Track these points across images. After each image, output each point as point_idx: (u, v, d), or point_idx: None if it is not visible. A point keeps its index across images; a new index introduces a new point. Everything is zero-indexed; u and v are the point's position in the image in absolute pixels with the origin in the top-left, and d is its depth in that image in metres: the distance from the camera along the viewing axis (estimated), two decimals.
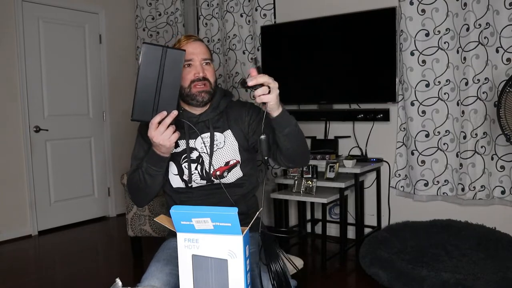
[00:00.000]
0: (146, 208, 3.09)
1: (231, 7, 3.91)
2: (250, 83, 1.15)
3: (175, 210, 0.94)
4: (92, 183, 4.42)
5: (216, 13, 4.05)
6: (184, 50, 1.23)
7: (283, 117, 1.28)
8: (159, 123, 1.23)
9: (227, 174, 1.49)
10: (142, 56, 1.15)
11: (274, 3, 3.73)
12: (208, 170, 1.48)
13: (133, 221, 3.11)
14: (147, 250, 3.26)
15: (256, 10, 3.74)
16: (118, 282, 0.99)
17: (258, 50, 3.78)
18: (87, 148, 4.37)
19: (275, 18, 3.74)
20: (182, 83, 1.46)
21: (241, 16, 3.89)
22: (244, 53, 3.91)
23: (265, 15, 3.73)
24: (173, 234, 1.56)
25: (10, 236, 3.79)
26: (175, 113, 1.23)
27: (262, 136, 1.21)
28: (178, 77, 1.20)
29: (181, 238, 0.98)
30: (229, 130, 1.51)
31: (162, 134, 1.24)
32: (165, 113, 1.22)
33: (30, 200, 3.91)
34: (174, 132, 1.26)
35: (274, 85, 1.19)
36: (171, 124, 1.24)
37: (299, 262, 1.77)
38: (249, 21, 3.86)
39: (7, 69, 3.77)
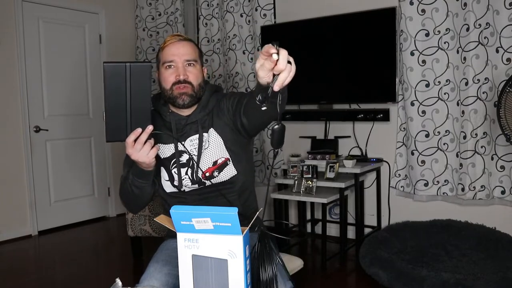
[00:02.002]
0: (146, 208, 3.09)
1: (231, 7, 3.91)
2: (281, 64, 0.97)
3: (175, 210, 0.94)
4: (92, 183, 4.42)
5: (216, 13, 4.05)
6: (150, 62, 1.19)
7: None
8: (135, 140, 1.19)
9: (218, 173, 1.45)
10: (104, 77, 1.10)
11: (274, 3, 3.74)
12: (196, 174, 1.45)
13: (133, 221, 3.11)
14: (147, 250, 3.26)
15: (256, 10, 3.75)
16: (118, 282, 0.99)
17: (258, 50, 3.78)
18: (87, 148, 4.37)
19: (275, 18, 3.75)
20: (164, 85, 1.44)
21: (241, 16, 3.89)
22: (244, 53, 3.91)
23: (265, 15, 3.73)
24: (171, 235, 1.55)
25: (10, 236, 3.79)
26: (150, 128, 1.18)
27: (276, 126, 1.05)
28: (148, 91, 1.15)
29: (181, 238, 0.97)
30: (211, 128, 1.47)
31: (140, 152, 1.20)
32: (139, 130, 1.17)
33: (30, 200, 3.91)
34: (153, 147, 1.22)
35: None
36: (148, 139, 1.20)
37: (299, 262, 1.76)
38: (249, 21, 3.86)
39: (7, 69, 3.77)
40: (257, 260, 1.04)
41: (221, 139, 1.46)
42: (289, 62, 0.98)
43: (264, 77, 1.00)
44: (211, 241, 0.96)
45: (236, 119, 1.44)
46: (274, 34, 3.68)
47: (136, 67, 1.12)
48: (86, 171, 4.36)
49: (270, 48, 0.95)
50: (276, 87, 0.98)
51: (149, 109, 1.17)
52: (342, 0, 3.41)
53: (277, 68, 0.96)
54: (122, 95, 1.12)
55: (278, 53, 0.95)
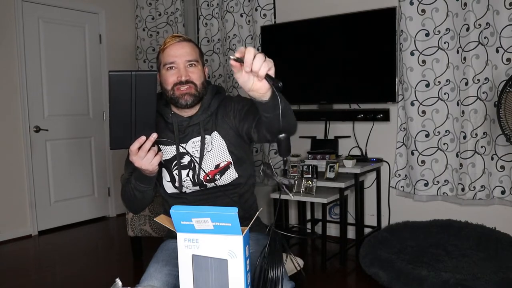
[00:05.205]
0: (146, 208, 3.09)
1: (231, 7, 3.91)
2: (237, 54, 0.98)
3: (175, 210, 0.94)
4: (92, 183, 4.42)
5: (216, 13, 4.05)
6: (156, 71, 1.18)
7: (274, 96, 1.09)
8: (139, 148, 1.19)
9: (220, 176, 1.45)
10: (110, 85, 1.11)
11: (274, 3, 3.73)
12: (198, 176, 1.45)
13: (133, 221, 3.11)
14: (147, 250, 3.26)
15: (256, 10, 3.75)
16: (118, 282, 0.99)
17: (258, 50, 3.77)
18: (87, 148, 4.37)
19: (275, 18, 3.74)
20: (165, 86, 1.43)
21: (241, 16, 3.89)
22: None
23: (265, 15, 3.73)
24: (170, 236, 1.55)
25: (10, 236, 3.79)
26: (154, 136, 1.18)
27: (281, 135, 1.05)
28: (153, 100, 1.15)
29: (181, 238, 0.97)
30: (215, 131, 1.46)
31: (143, 159, 1.21)
32: (143, 138, 1.18)
33: (30, 200, 3.91)
34: (156, 154, 1.23)
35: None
36: (152, 146, 1.21)
37: (299, 262, 1.77)
38: (249, 21, 3.86)
39: (7, 70, 3.77)
40: (267, 259, 1.04)
41: (224, 143, 1.46)
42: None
43: (246, 82, 1.02)
44: (211, 241, 0.96)
45: (243, 127, 1.43)
46: (274, 34, 3.68)
47: (142, 76, 1.12)
48: (86, 171, 4.36)
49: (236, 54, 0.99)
50: (260, 79, 0.99)
51: (154, 117, 1.17)
52: (342, 0, 3.41)
53: (247, 63, 0.97)
54: (127, 104, 1.12)
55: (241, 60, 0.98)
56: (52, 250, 3.62)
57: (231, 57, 0.98)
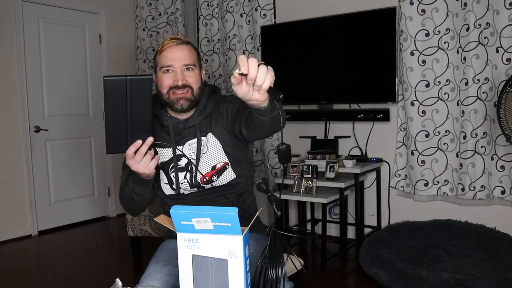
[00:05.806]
0: (145, 210, 3.09)
1: (231, 7, 3.91)
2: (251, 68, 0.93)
3: (175, 210, 0.94)
4: (92, 183, 4.42)
5: (216, 13, 4.05)
6: (151, 75, 1.16)
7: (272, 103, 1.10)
8: (136, 152, 1.19)
9: (217, 178, 1.44)
10: (105, 91, 1.10)
11: (274, 3, 3.73)
12: (195, 178, 1.45)
13: (133, 221, 3.11)
14: (147, 250, 3.26)
15: (256, 10, 3.75)
16: (118, 282, 0.99)
17: (258, 50, 3.78)
18: (87, 148, 4.37)
19: (275, 18, 3.74)
20: (160, 89, 1.42)
21: (241, 16, 3.89)
22: (244, 53, 3.91)
23: (265, 15, 3.73)
24: (171, 236, 1.55)
25: (10, 236, 3.79)
26: (150, 140, 1.18)
27: (282, 147, 1.05)
28: (149, 103, 1.14)
29: (181, 238, 0.97)
30: (210, 133, 1.46)
31: (140, 163, 1.20)
32: (139, 142, 1.17)
33: (30, 200, 3.91)
34: (153, 158, 1.22)
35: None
36: (149, 149, 1.20)
37: (299, 262, 1.76)
38: (249, 21, 3.86)
39: (7, 70, 3.77)
40: (267, 259, 1.03)
41: (219, 144, 1.46)
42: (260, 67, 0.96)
43: (246, 94, 0.99)
44: (211, 241, 0.96)
45: (235, 127, 1.42)
46: (274, 34, 3.68)
47: (137, 80, 1.11)
48: (86, 171, 4.36)
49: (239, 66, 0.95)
50: (262, 92, 0.97)
51: (150, 121, 1.17)
52: (342, 0, 3.41)
53: (251, 75, 0.93)
54: (123, 108, 1.12)
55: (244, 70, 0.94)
56: (52, 250, 3.62)
57: (236, 71, 0.95)
